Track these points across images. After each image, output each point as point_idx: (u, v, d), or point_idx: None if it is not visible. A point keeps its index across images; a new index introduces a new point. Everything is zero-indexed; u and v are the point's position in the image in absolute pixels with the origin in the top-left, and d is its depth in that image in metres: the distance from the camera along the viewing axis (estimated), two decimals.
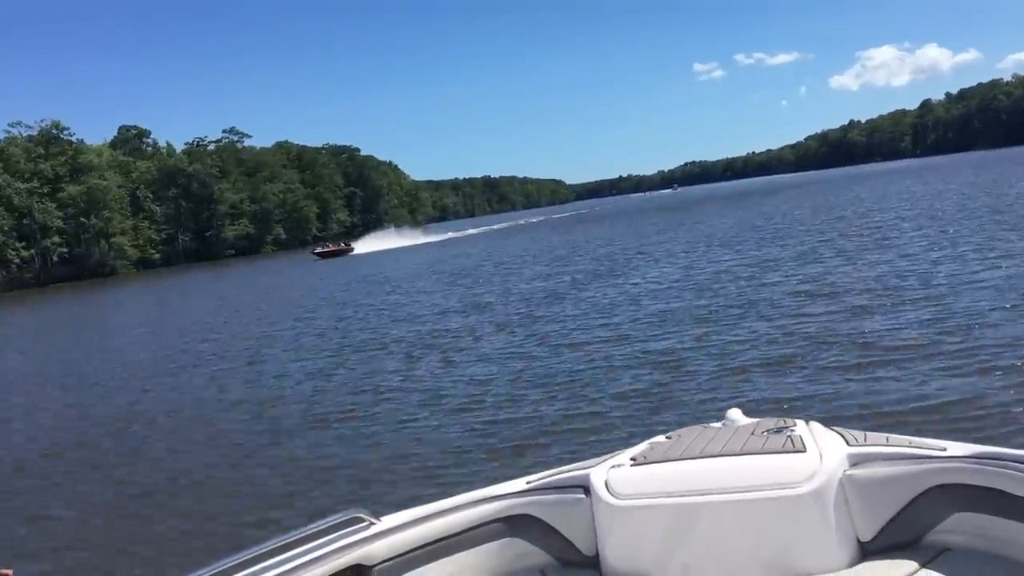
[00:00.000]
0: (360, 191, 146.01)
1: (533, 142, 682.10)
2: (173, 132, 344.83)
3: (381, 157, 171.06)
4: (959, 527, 2.18)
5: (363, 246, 72.33)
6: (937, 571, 2.10)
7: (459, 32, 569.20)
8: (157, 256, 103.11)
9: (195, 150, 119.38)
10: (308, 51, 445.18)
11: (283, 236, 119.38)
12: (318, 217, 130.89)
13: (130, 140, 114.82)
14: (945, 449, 2.25)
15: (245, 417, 10.44)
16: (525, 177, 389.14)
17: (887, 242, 19.70)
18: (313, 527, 2.22)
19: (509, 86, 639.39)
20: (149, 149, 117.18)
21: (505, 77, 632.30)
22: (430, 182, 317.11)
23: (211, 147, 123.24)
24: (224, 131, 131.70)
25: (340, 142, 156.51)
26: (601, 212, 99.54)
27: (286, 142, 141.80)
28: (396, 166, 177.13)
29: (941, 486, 2.18)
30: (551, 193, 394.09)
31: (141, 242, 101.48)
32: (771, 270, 17.42)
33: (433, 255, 48.22)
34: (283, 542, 2.13)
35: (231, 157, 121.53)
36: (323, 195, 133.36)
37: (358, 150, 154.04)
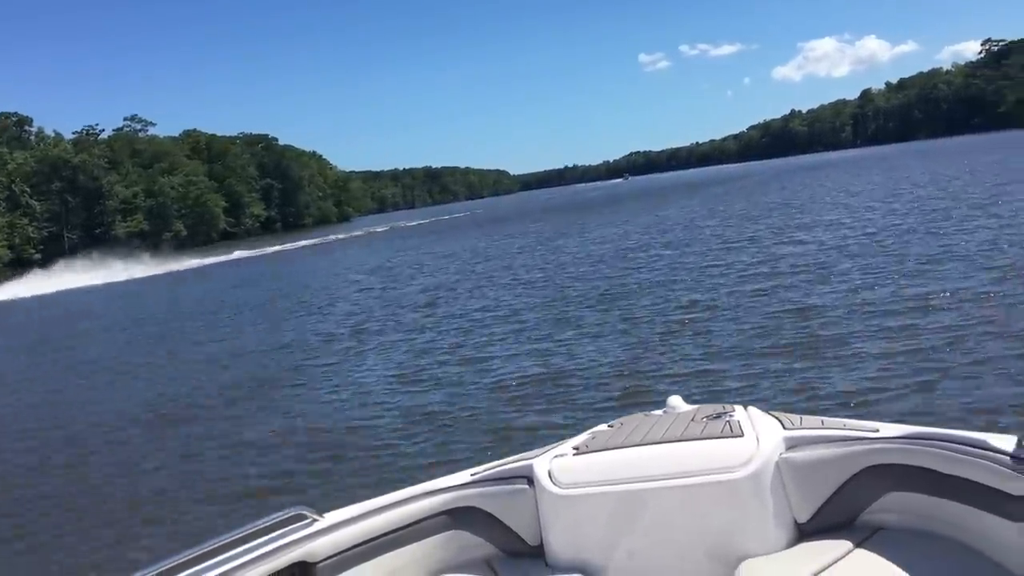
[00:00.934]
0: (278, 183, 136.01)
1: (478, 133, 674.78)
2: (68, 121, 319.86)
3: (305, 147, 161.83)
4: (892, 506, 2.25)
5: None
6: (871, 550, 2.15)
7: (401, 21, 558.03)
8: (37, 256, 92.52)
9: (84, 139, 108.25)
10: (233, 39, 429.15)
11: (184, 233, 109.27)
12: (228, 212, 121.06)
13: (7, 129, 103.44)
14: (878, 430, 2.31)
15: None
16: (468, 168, 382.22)
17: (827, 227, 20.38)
18: (255, 525, 2.18)
19: (453, 76, 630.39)
20: (32, 139, 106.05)
21: (449, 67, 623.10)
22: (369, 173, 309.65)
23: (104, 136, 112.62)
24: (125, 119, 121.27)
25: (268, 133, 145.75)
26: (548, 205, 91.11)
27: (194, 131, 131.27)
28: (320, 156, 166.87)
29: (874, 467, 2.24)
30: (494, 184, 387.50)
31: (19, 241, 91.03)
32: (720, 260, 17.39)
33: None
34: (225, 541, 2.10)
35: (125, 147, 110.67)
36: (234, 188, 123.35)
37: (276, 139, 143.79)
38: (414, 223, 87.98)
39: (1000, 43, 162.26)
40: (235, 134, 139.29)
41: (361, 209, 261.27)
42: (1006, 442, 1.96)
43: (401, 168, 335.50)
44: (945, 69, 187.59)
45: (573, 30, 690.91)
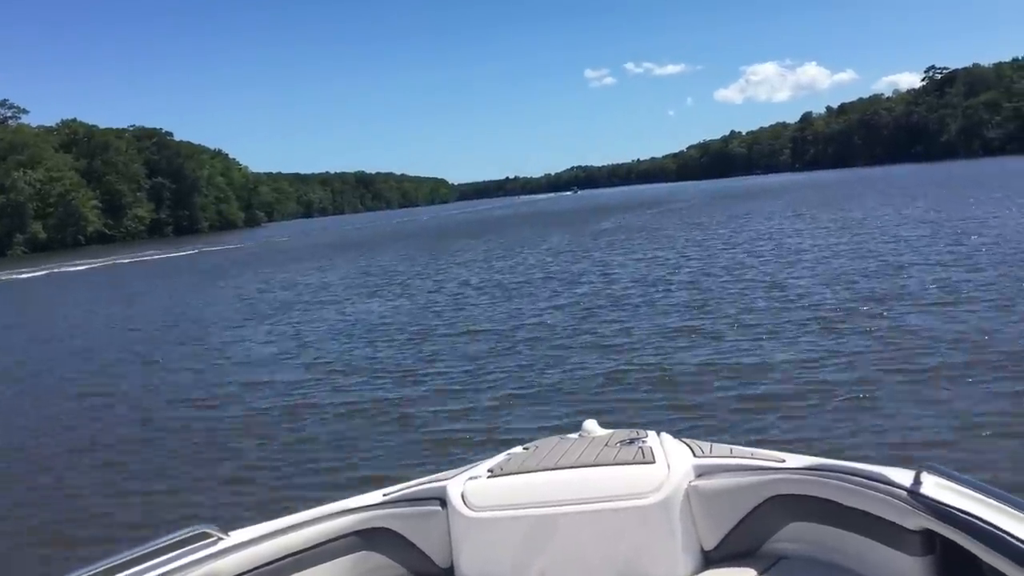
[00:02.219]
0: (170, 183, 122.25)
1: (419, 140, 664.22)
2: None
3: (211, 145, 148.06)
4: (795, 536, 2.29)
5: None
6: None
7: (345, 24, 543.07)
8: None
9: None
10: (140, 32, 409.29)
11: (42, 235, 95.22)
12: (107, 212, 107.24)
13: None
14: (784, 461, 2.34)
15: None
16: (403, 174, 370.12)
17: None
18: (157, 543, 2.11)
19: (396, 82, 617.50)
20: None
21: (393, 73, 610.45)
22: (296, 175, 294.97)
23: None
24: None
25: (162, 128, 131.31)
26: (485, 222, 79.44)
27: (73, 120, 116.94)
28: (226, 156, 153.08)
29: (779, 496, 2.27)
30: (430, 192, 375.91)
31: None
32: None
33: None
34: (123, 559, 2.02)
35: None
36: (115, 186, 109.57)
37: (170, 134, 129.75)
38: (318, 237, 76.17)
39: (943, 71, 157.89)
40: (125, 127, 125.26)
41: (284, 213, 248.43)
42: (904, 476, 1.99)
43: (333, 172, 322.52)
44: (886, 96, 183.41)
45: (521, 41, 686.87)
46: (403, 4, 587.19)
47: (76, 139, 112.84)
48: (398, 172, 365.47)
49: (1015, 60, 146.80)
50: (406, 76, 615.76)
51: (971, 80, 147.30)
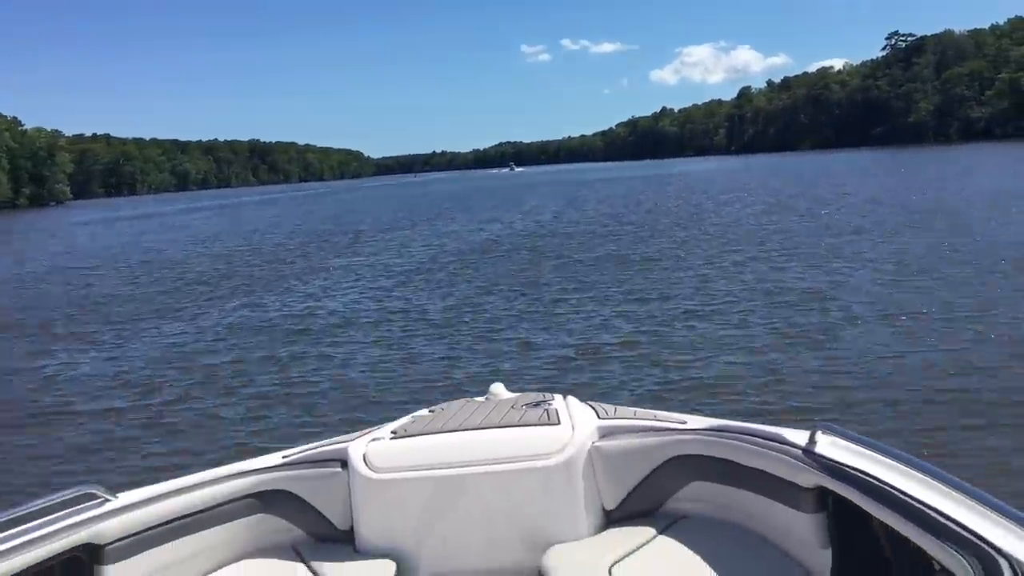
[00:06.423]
0: None
1: (335, 111, 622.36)
2: None
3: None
4: (695, 495, 2.35)
5: None
6: (673, 537, 2.24)
7: None
8: None
9: None
10: None
11: None
12: None
13: None
14: (685, 422, 2.39)
15: None
16: (307, 144, 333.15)
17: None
18: (38, 503, 2.05)
19: (315, 52, 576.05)
20: None
21: (312, 40, 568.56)
22: (175, 142, 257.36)
23: None
24: None
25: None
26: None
27: None
28: (10, 117, 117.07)
29: (679, 456, 2.34)
30: (340, 165, 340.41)
31: None
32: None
33: None
34: (3, 519, 1.96)
35: None
36: None
37: None
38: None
39: (908, 38, 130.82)
40: None
41: (151, 185, 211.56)
42: (799, 436, 2.04)
43: (222, 140, 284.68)
44: (837, 68, 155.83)
45: (456, 14, 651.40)
46: None
47: None
48: (302, 143, 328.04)
49: (995, 26, 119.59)
50: (328, 45, 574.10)
51: (942, 48, 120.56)
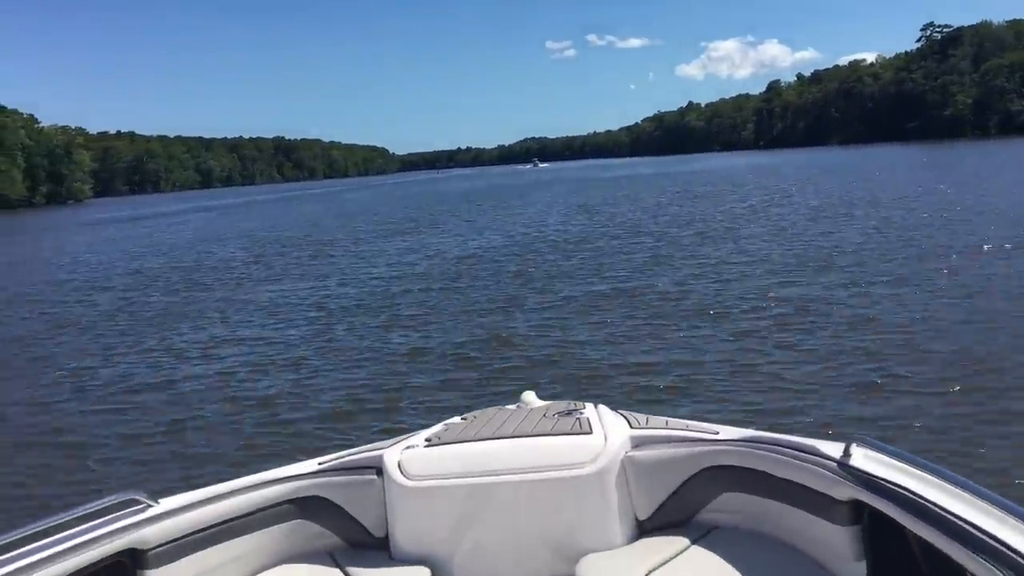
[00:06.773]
0: None
1: (360, 109, 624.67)
2: None
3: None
4: (727, 506, 2.32)
5: None
6: (705, 548, 2.22)
7: None
8: None
9: None
10: None
11: None
12: None
13: None
14: (718, 433, 2.37)
15: None
16: (332, 141, 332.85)
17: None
18: (82, 509, 2.06)
19: (340, 49, 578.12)
20: None
21: (338, 37, 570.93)
22: (200, 140, 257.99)
23: None
24: None
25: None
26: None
27: None
28: (26, 115, 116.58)
29: (712, 467, 2.30)
30: (364, 162, 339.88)
31: None
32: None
33: None
34: (49, 525, 1.97)
35: None
36: None
37: None
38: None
39: (944, 29, 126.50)
40: None
41: (176, 183, 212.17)
42: (834, 449, 2.02)
43: (247, 137, 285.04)
44: (870, 61, 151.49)
45: (483, 11, 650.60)
46: None
47: None
48: (327, 140, 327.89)
49: None
50: (353, 42, 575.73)
51: (980, 39, 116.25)
